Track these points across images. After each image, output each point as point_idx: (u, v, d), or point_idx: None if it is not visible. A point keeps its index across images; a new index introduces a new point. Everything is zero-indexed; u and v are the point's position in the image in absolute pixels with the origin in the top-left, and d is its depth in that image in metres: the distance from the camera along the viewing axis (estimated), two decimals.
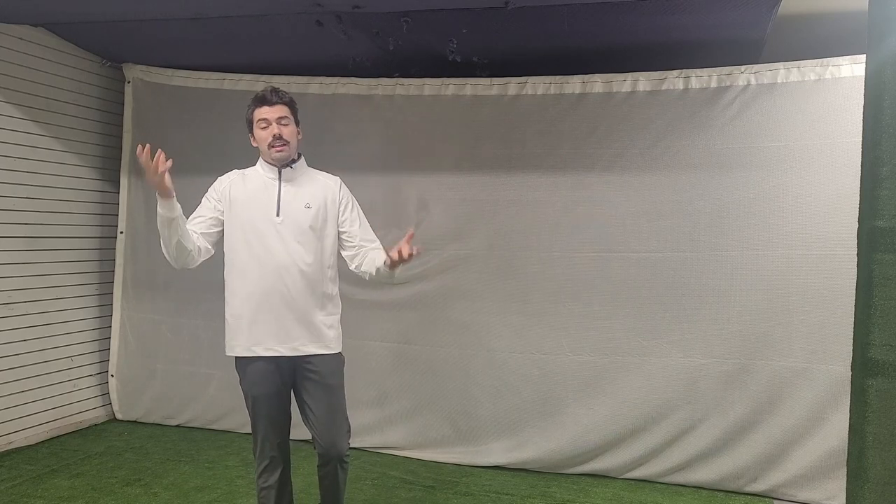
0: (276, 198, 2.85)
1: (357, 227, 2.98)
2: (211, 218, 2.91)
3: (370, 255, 2.93)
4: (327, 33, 4.10)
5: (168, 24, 4.14)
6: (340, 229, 2.96)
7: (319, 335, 2.87)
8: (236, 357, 2.90)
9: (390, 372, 4.47)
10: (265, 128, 2.84)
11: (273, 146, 2.83)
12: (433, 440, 4.41)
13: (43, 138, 4.57)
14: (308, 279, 2.83)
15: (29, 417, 4.53)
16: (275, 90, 2.88)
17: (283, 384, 2.88)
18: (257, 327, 2.81)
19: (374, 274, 2.92)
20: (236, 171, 3.00)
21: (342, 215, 2.96)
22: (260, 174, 2.93)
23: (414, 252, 2.76)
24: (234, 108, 4.68)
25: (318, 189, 2.93)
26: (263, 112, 2.85)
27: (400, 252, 2.75)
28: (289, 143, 2.85)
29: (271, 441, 2.90)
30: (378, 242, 3.01)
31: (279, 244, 2.80)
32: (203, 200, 2.94)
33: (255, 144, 2.95)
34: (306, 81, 4.56)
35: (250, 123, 2.92)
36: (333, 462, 2.91)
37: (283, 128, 2.84)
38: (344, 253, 3.00)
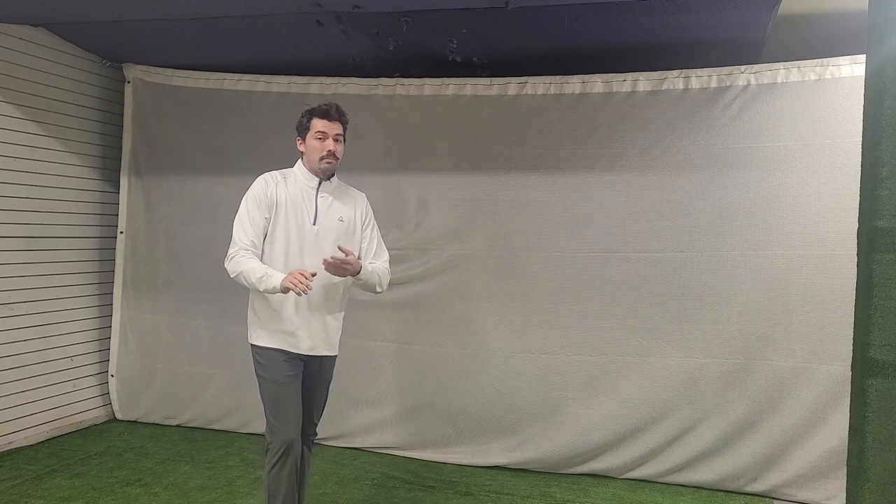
0: (314, 207, 2.97)
1: (374, 245, 3.15)
2: (263, 228, 2.96)
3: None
4: (327, 33, 4.10)
5: (168, 24, 4.14)
6: (361, 245, 3.12)
7: (332, 340, 3.06)
8: (257, 344, 2.98)
9: (391, 372, 4.47)
10: (322, 139, 2.95)
11: (324, 158, 2.94)
12: (433, 440, 4.41)
13: (43, 138, 4.57)
14: (334, 287, 2.99)
15: (29, 417, 4.53)
16: (339, 108, 3.00)
17: (299, 373, 3.00)
18: (284, 327, 2.93)
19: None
20: (277, 171, 3.03)
21: (363, 231, 3.12)
22: (300, 180, 3.01)
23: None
24: (234, 108, 4.71)
25: (350, 203, 3.08)
26: (324, 125, 2.95)
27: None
28: (338, 159, 3.00)
29: (294, 423, 2.96)
30: (383, 259, 3.16)
31: (313, 252, 2.92)
32: (252, 206, 2.92)
33: (301, 149, 3.03)
34: (306, 81, 4.56)
35: (305, 130, 3.00)
36: (309, 440, 3.15)
37: (337, 145, 2.97)
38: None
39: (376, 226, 3.19)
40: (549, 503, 3.78)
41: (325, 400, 3.18)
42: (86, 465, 4.15)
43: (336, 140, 2.96)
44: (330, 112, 2.95)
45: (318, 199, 2.99)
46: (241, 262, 2.87)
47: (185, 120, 4.83)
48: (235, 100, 4.69)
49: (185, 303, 4.84)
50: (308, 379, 3.04)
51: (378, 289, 3.09)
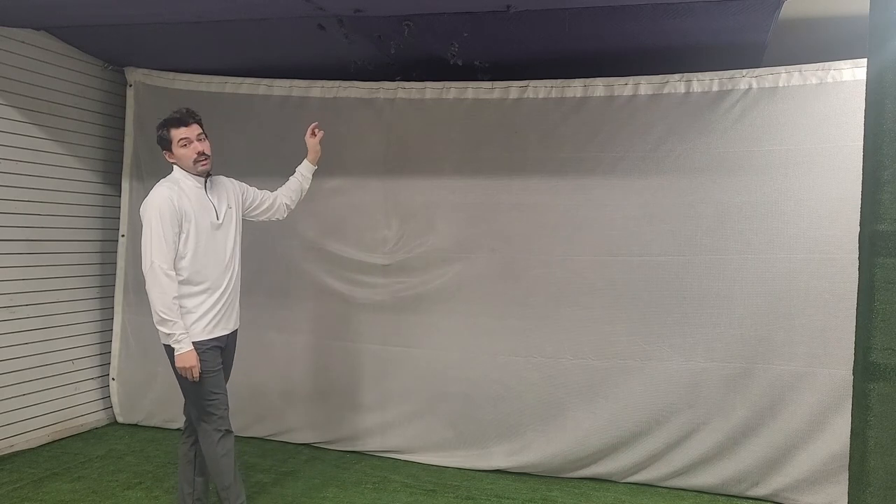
0: (211, 204, 3.21)
1: (260, 192, 3.51)
2: (175, 244, 3.09)
3: (282, 192, 3.57)
4: (329, 37, 4.10)
5: (170, 27, 4.15)
6: (253, 205, 3.45)
7: (238, 313, 3.37)
8: (196, 341, 3.13)
9: (392, 375, 4.47)
10: (186, 145, 3.16)
11: (198, 161, 3.17)
12: (434, 444, 4.40)
13: (45, 141, 4.58)
14: (237, 267, 3.33)
15: (30, 420, 4.53)
16: (189, 110, 3.24)
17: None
18: (218, 314, 3.20)
19: (291, 205, 3.60)
20: (168, 184, 3.15)
21: (247, 198, 3.43)
22: (191, 185, 3.20)
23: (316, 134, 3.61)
24: (235, 112, 4.71)
25: (229, 191, 3.34)
26: (184, 132, 3.17)
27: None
28: (209, 156, 3.22)
29: (227, 407, 3.24)
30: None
31: (224, 242, 3.23)
32: (165, 228, 3.03)
33: (171, 160, 3.20)
34: (308, 85, 4.56)
35: (168, 142, 3.17)
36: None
37: (202, 143, 3.19)
38: (267, 212, 3.52)
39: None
40: None
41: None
42: (87, 469, 4.15)
43: (199, 140, 3.17)
44: (183, 119, 3.18)
45: (210, 196, 3.21)
46: (174, 298, 3.03)
47: None
48: (237, 103, 4.70)
49: None
50: (227, 353, 3.30)
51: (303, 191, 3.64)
